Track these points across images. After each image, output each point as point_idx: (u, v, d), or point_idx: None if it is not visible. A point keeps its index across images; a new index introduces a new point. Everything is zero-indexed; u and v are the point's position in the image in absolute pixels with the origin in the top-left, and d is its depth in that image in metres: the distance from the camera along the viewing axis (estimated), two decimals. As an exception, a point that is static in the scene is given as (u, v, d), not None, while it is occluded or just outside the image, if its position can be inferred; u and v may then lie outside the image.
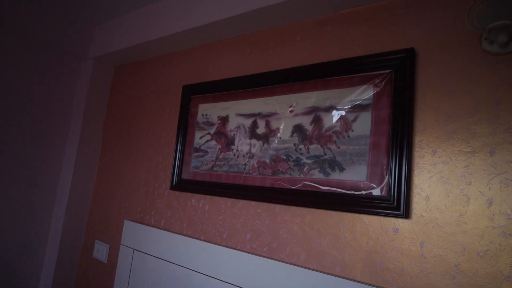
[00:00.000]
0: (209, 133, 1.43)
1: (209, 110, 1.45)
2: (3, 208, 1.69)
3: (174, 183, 1.50)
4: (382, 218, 0.97)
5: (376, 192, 0.98)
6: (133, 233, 1.58)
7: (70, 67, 1.93)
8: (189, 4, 1.47)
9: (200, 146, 1.45)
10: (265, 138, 1.25)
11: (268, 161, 1.22)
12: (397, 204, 0.93)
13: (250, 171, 1.26)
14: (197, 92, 1.51)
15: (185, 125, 1.52)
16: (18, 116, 1.72)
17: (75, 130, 1.91)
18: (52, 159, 1.87)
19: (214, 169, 1.37)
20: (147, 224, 1.59)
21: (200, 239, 1.36)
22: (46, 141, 1.84)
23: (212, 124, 1.43)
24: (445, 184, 0.89)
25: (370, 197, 0.99)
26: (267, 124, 1.25)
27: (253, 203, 1.25)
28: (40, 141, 1.81)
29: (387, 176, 0.97)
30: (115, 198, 1.82)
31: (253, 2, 1.23)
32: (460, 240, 0.85)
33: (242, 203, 1.28)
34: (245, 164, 1.28)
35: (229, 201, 1.32)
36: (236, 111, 1.36)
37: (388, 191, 0.96)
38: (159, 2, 1.63)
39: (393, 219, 0.95)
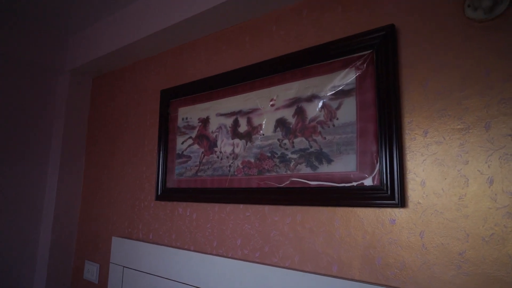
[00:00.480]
0: (190, 137, 1.36)
1: (188, 113, 1.38)
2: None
3: (159, 193, 1.42)
4: (377, 210, 0.90)
5: (368, 182, 0.91)
6: (121, 249, 1.50)
7: (46, 82, 1.85)
8: (160, 6, 1.41)
9: (182, 152, 1.38)
10: (248, 136, 1.18)
11: (252, 160, 1.15)
12: (391, 192, 0.86)
13: (235, 173, 1.19)
14: (175, 96, 1.44)
15: (166, 131, 1.45)
16: (-7, 137, 1.64)
17: (56, 148, 1.83)
18: (34, 181, 1.78)
19: (199, 174, 1.30)
20: (135, 239, 1.51)
21: (190, 250, 1.28)
22: (26, 162, 1.75)
23: (193, 128, 1.36)
24: (441, 166, 0.82)
25: (362, 188, 0.91)
26: (249, 121, 1.18)
27: (241, 206, 1.17)
28: (19, 164, 1.72)
29: (378, 164, 0.89)
30: (102, 214, 1.73)
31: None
32: (462, 226, 0.78)
33: (229, 207, 1.21)
34: (230, 166, 1.21)
35: (216, 206, 1.24)
36: (216, 111, 1.29)
37: (381, 180, 0.88)
38: (130, 6, 1.56)
39: (388, 210, 0.88)
